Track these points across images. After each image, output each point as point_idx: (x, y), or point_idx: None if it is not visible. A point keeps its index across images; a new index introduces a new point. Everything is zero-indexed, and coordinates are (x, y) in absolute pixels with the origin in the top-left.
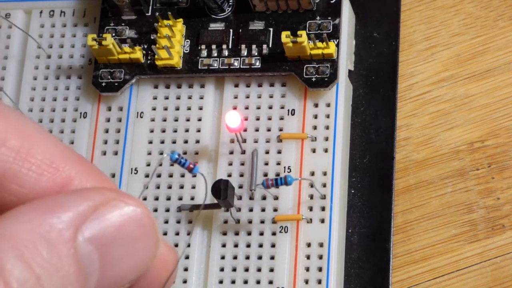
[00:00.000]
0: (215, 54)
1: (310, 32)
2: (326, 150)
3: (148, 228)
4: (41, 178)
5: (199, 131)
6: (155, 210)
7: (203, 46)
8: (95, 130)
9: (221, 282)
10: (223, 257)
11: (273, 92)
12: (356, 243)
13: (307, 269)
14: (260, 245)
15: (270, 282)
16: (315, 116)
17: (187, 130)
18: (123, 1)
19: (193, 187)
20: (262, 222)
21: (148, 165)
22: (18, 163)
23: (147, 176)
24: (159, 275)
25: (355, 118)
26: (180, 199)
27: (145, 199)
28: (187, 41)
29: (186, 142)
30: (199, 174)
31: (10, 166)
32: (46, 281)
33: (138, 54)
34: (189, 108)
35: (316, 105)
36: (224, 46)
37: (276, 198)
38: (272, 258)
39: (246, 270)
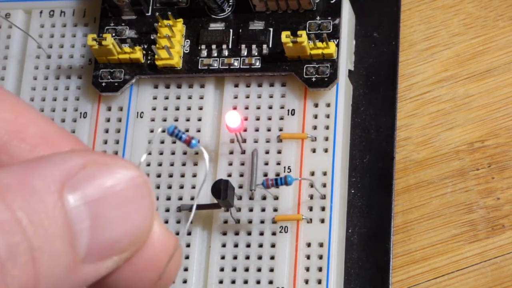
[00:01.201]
0: (215, 54)
1: (310, 32)
2: (326, 150)
3: (141, 189)
4: (34, 151)
5: (199, 131)
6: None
7: (203, 46)
8: (95, 130)
9: (221, 282)
10: (223, 257)
11: (273, 92)
12: (356, 243)
13: (307, 269)
14: (260, 245)
15: (270, 282)
16: (315, 116)
17: (187, 130)
18: (123, 1)
19: (193, 187)
20: (262, 222)
21: (148, 165)
22: (10, 134)
23: (147, 176)
24: (159, 257)
25: (355, 118)
26: (180, 199)
27: None
28: (187, 41)
29: None
30: (199, 148)
31: (2, 137)
32: (28, 226)
33: (138, 54)
34: (189, 108)
35: (316, 105)
36: (224, 46)
37: (276, 198)
38: (272, 258)
39: (246, 270)
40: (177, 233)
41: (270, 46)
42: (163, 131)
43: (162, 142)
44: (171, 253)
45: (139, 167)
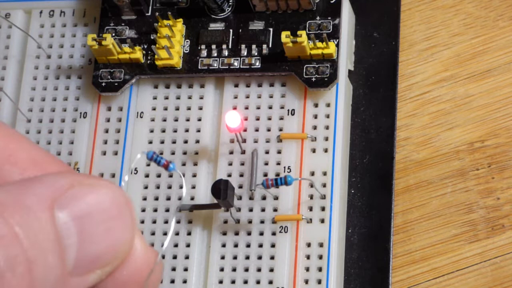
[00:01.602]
0: (215, 54)
1: (310, 32)
2: (326, 150)
3: (123, 207)
4: (24, 174)
5: (199, 131)
6: (155, 210)
7: (203, 46)
8: (95, 130)
9: (221, 282)
10: (223, 257)
11: (273, 92)
12: (356, 243)
13: (307, 269)
14: (260, 245)
15: (270, 282)
16: (315, 116)
17: (187, 130)
18: (123, 1)
19: (193, 187)
20: (262, 222)
21: (148, 165)
22: (2, 159)
23: (147, 176)
24: (140, 272)
25: (355, 118)
26: (180, 199)
27: (145, 199)
28: (187, 41)
29: (186, 142)
30: (176, 172)
31: None
32: (25, 240)
33: (138, 54)
34: (189, 108)
35: (316, 105)
36: (224, 46)
37: (276, 198)
38: (272, 258)
39: (246, 270)
40: (177, 233)
41: (270, 46)
42: (143, 153)
43: (162, 142)
44: (152, 267)
45: (131, 167)
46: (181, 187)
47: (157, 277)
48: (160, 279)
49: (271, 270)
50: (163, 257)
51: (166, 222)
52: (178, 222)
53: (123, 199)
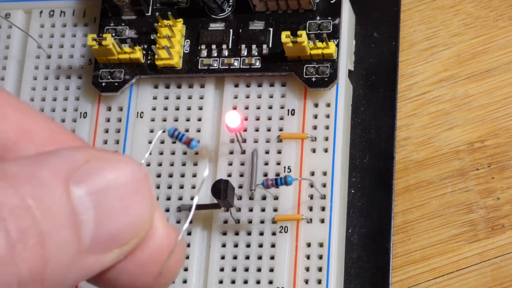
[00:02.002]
0: (215, 54)
1: (310, 32)
2: (326, 150)
3: (142, 183)
4: (40, 151)
5: (199, 131)
6: None
7: (203, 46)
8: (95, 130)
9: (221, 282)
10: (223, 257)
11: (273, 92)
12: (356, 243)
13: (307, 269)
14: (260, 245)
15: (270, 282)
16: (315, 116)
17: (187, 130)
18: (123, 1)
19: (193, 187)
20: (262, 222)
21: (148, 165)
22: (19, 135)
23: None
24: (161, 252)
25: (355, 118)
26: (180, 199)
27: None
28: (187, 41)
29: None
30: (199, 148)
31: (11, 137)
32: (37, 212)
33: (138, 54)
34: (189, 108)
35: (316, 105)
36: (224, 46)
37: (276, 198)
38: (272, 258)
39: (246, 270)
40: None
41: (270, 46)
42: (164, 132)
43: (162, 142)
44: (173, 247)
45: (152, 143)
46: (181, 187)
47: (179, 257)
48: (183, 260)
49: (271, 270)
50: None
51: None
52: (178, 222)
53: (142, 175)
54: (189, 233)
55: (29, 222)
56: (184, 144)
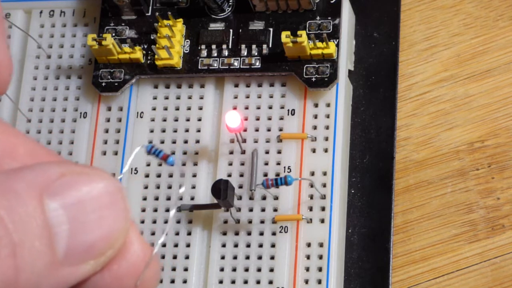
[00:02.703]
0: (215, 54)
1: (310, 32)
2: (326, 150)
3: (116, 196)
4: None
5: (199, 131)
6: (155, 210)
7: (203, 46)
8: (95, 130)
9: (221, 282)
10: (223, 257)
11: (273, 92)
12: (356, 243)
13: (307, 269)
14: (260, 245)
15: (270, 282)
16: (315, 116)
17: (187, 130)
18: (123, 1)
19: (193, 187)
20: (262, 222)
21: (148, 165)
22: (3, 153)
23: (147, 176)
24: (136, 265)
25: (355, 118)
26: (180, 199)
27: (145, 199)
28: (187, 41)
29: (186, 142)
30: (175, 165)
31: None
32: (10, 223)
33: (138, 54)
34: (189, 108)
35: (316, 105)
36: (224, 46)
37: (276, 198)
38: (272, 258)
39: (246, 270)
40: (177, 233)
41: (270, 46)
42: (142, 147)
43: (162, 142)
44: (148, 262)
45: (130, 160)
46: (181, 187)
47: (154, 272)
48: (158, 275)
49: (271, 270)
50: (163, 257)
51: (166, 222)
52: (178, 222)
53: (115, 188)
54: (189, 233)
55: (1, 232)
56: (162, 159)
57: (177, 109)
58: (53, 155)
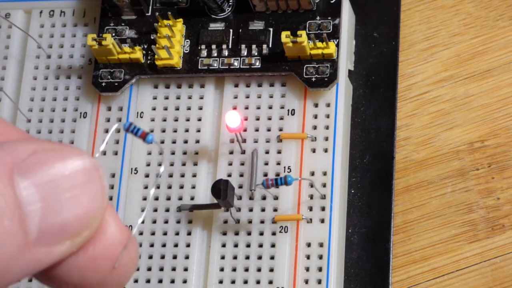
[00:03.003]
0: (215, 54)
1: (310, 32)
2: (326, 150)
3: (91, 174)
4: None
5: (199, 131)
6: (155, 210)
7: (203, 46)
8: (95, 130)
9: (221, 282)
10: (223, 257)
11: (273, 92)
12: (356, 243)
13: (307, 269)
14: (260, 245)
15: (270, 282)
16: (315, 116)
17: (187, 130)
18: (123, 1)
19: (193, 187)
20: (262, 222)
21: (148, 165)
22: None
23: (147, 176)
24: (113, 247)
25: (355, 118)
26: (180, 199)
27: (145, 199)
28: (187, 41)
29: (186, 142)
30: (155, 143)
31: None
32: None
33: (138, 54)
34: (189, 108)
35: (316, 105)
36: (224, 46)
37: (276, 198)
38: (272, 258)
39: (246, 270)
40: (177, 233)
41: (270, 46)
42: (118, 131)
43: (162, 142)
44: (125, 244)
45: (107, 138)
46: (181, 187)
47: (132, 255)
48: (136, 259)
49: (271, 270)
50: (163, 257)
51: (166, 222)
52: (178, 222)
53: (91, 166)
54: (189, 233)
55: None
56: (140, 138)
57: (177, 109)
58: (24, 134)
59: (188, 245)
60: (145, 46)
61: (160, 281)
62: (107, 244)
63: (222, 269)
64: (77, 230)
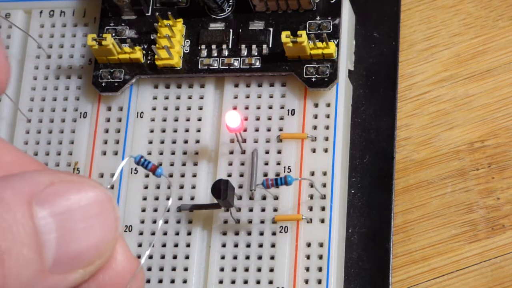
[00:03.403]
0: (215, 54)
1: (310, 32)
2: (326, 150)
3: (105, 205)
4: (7, 174)
5: (199, 131)
6: (155, 210)
7: (203, 46)
8: (95, 130)
9: (221, 282)
10: (223, 257)
11: (273, 92)
12: (356, 243)
13: (307, 269)
14: (260, 245)
15: (270, 282)
16: (315, 116)
17: (187, 130)
18: (123, 1)
19: (193, 187)
20: (262, 222)
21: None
22: None
23: (147, 176)
24: (122, 276)
25: (355, 118)
26: (180, 199)
27: (145, 199)
28: (187, 41)
29: (186, 142)
30: (163, 176)
31: None
32: None
33: (138, 54)
34: (189, 108)
35: (316, 105)
36: (224, 46)
37: (276, 198)
38: (272, 258)
39: (246, 270)
40: (177, 233)
41: (270, 46)
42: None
43: (162, 142)
44: (134, 273)
45: (117, 171)
46: (181, 187)
47: (139, 284)
48: (143, 287)
49: (271, 270)
50: (163, 257)
51: (166, 222)
52: (178, 222)
53: (106, 197)
54: (189, 233)
55: None
56: (150, 171)
57: (177, 109)
58: (39, 165)
59: (188, 245)
60: (145, 46)
61: (160, 281)
62: (117, 272)
63: (222, 269)
64: (90, 259)
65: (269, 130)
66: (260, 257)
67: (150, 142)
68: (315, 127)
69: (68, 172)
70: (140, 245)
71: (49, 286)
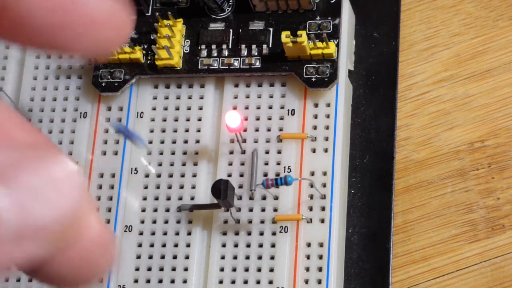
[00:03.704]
0: (215, 54)
1: (310, 32)
2: (326, 150)
3: (70, 176)
4: None
5: (199, 131)
6: (155, 210)
7: (203, 46)
8: (95, 130)
9: (221, 282)
10: (223, 257)
11: (273, 92)
12: (356, 243)
13: (307, 269)
14: (260, 245)
15: (270, 282)
16: (315, 116)
17: (187, 130)
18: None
19: (193, 187)
20: (262, 222)
21: (149, 164)
22: None
23: (147, 176)
24: (93, 247)
25: (355, 118)
26: (180, 199)
27: (145, 199)
28: (187, 41)
29: (186, 142)
30: (145, 146)
31: None
32: None
33: (138, 54)
34: (189, 108)
35: (316, 105)
36: (224, 46)
37: (276, 198)
38: (272, 258)
39: (246, 270)
40: (177, 233)
41: (270, 46)
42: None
43: (162, 142)
44: (106, 245)
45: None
46: (181, 187)
47: (110, 256)
48: (113, 258)
49: (271, 270)
50: (163, 257)
51: (166, 222)
52: (178, 222)
53: (70, 169)
54: (189, 233)
55: None
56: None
57: (177, 109)
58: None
59: (188, 245)
60: (145, 46)
61: (160, 281)
62: (86, 245)
63: (222, 269)
64: (53, 232)
65: (269, 130)
66: (260, 257)
67: (150, 142)
68: (315, 127)
69: (33, 145)
70: (140, 245)
71: (7, 256)
